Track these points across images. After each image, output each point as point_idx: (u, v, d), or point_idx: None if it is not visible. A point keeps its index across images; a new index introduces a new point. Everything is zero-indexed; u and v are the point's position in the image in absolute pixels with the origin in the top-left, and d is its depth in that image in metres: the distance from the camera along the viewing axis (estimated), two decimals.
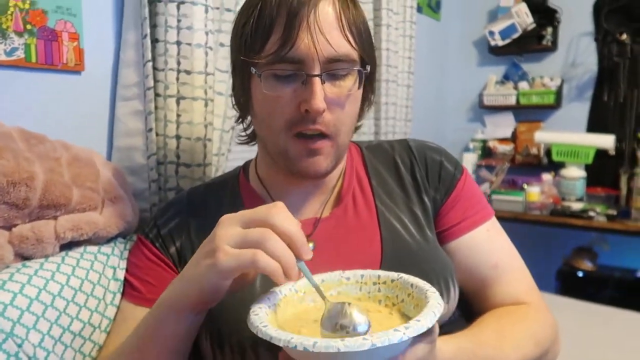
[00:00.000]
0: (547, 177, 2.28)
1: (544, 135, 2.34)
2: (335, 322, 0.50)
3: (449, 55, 2.85)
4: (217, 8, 1.19)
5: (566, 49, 2.57)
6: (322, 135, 0.69)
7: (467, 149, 2.49)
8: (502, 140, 2.68)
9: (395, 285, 0.58)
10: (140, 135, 1.09)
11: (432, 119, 2.76)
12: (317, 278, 0.58)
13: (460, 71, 2.86)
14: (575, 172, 2.22)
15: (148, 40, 1.06)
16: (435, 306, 0.49)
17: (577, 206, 2.16)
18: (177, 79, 1.09)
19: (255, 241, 0.50)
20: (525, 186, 2.22)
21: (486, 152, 2.70)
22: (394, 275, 0.58)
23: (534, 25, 2.52)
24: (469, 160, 2.38)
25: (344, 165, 0.82)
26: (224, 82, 1.20)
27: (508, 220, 2.24)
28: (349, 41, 0.68)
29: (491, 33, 2.62)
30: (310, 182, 0.77)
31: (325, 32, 0.65)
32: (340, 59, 0.67)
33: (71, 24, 1.04)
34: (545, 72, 2.62)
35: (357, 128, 0.84)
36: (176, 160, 1.10)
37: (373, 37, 1.79)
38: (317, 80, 0.65)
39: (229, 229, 0.53)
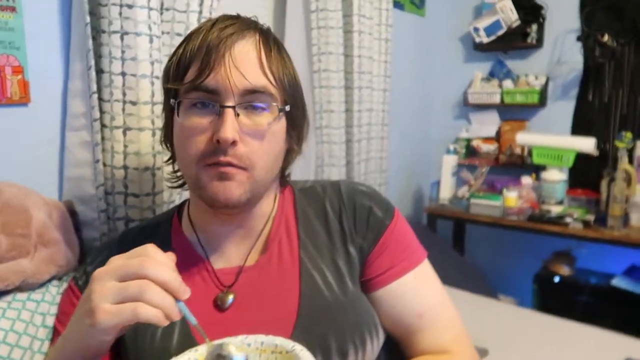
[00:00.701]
0: (526, 180, 2.26)
1: (526, 137, 2.32)
2: (215, 356, 0.56)
3: (435, 52, 2.80)
4: (168, 33, 1.18)
5: (552, 47, 2.52)
6: (235, 166, 0.69)
7: (447, 151, 2.47)
8: (486, 139, 2.65)
9: (289, 357, 0.58)
10: (88, 166, 1.10)
11: (417, 117, 2.74)
12: (219, 342, 0.59)
13: (446, 68, 2.82)
14: (555, 176, 2.20)
15: (93, 72, 1.06)
16: None
17: (556, 210, 2.15)
18: (123, 109, 1.09)
19: (134, 296, 0.53)
20: (504, 191, 2.21)
21: (470, 152, 2.68)
22: (289, 345, 0.58)
23: (519, 22, 2.46)
24: (449, 163, 2.37)
25: (275, 209, 0.82)
26: None
27: (486, 225, 2.25)
28: (267, 77, 0.70)
29: (476, 29, 2.57)
30: (232, 221, 0.77)
31: (240, 66, 0.67)
32: (256, 91, 0.69)
33: (14, 57, 1.04)
34: (530, 70, 2.57)
35: (284, 175, 0.84)
36: (124, 191, 1.11)
37: (343, 45, 1.77)
38: (229, 111, 0.67)
39: (105, 284, 0.54)
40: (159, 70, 1.11)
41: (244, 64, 0.68)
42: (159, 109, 1.12)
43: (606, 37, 2.11)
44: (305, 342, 0.63)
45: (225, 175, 0.68)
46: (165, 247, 0.80)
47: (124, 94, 1.08)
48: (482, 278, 2.23)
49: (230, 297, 0.75)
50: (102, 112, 1.08)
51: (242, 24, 0.72)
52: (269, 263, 0.77)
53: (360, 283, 0.79)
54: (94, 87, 1.06)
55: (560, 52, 2.50)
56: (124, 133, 1.09)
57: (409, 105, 2.62)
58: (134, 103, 1.08)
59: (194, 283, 0.76)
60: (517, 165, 2.53)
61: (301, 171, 1.73)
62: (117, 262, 0.56)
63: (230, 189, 0.69)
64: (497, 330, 1.45)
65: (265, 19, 1.73)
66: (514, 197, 2.15)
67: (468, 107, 2.74)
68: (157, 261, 0.55)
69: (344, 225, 0.80)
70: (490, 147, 2.62)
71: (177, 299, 0.55)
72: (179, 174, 0.83)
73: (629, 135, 2.04)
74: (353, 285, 0.77)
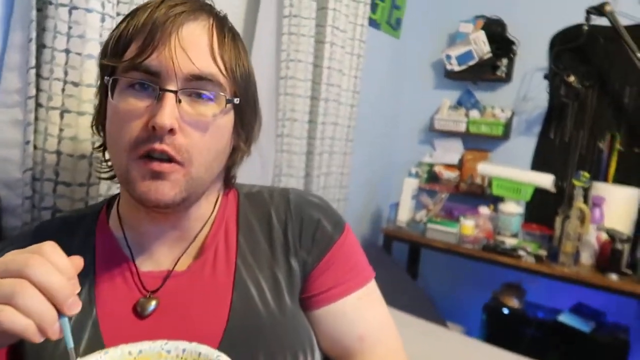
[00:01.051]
0: (484, 210, 2.26)
1: (487, 168, 2.32)
2: None
3: (406, 75, 2.81)
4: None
5: (520, 82, 2.56)
6: (170, 160, 0.62)
7: (409, 174, 2.46)
8: (449, 166, 2.66)
9: None
10: (17, 147, 1.00)
11: (382, 137, 2.72)
12: (135, 347, 0.52)
13: (416, 92, 2.83)
14: (512, 208, 2.21)
15: (34, 45, 0.96)
16: None
17: (510, 242, 2.15)
18: (63, 90, 1.00)
19: (4, 296, 0.43)
20: (461, 218, 2.20)
21: (432, 177, 2.68)
22: (213, 355, 0.51)
23: (490, 55, 2.49)
24: (410, 186, 2.35)
25: (215, 212, 0.75)
26: None
27: (441, 251, 2.23)
28: (216, 64, 0.63)
29: (448, 57, 2.59)
30: (164, 221, 0.70)
31: (187, 48, 0.61)
32: (203, 78, 0.62)
33: None
34: (497, 103, 2.60)
35: (229, 177, 0.77)
36: (54, 178, 1.01)
37: (314, 55, 1.73)
38: (170, 96, 0.60)
39: None
40: None
41: (192, 47, 0.62)
42: None
43: (572, 78, 2.15)
44: (232, 357, 0.57)
45: (159, 174, 0.61)
46: (87, 241, 0.73)
47: (66, 73, 0.99)
48: (431, 304, 2.19)
49: (153, 304, 0.67)
50: (39, 90, 0.99)
51: (195, 5, 0.66)
52: (202, 270, 0.70)
53: (299, 300, 0.73)
54: (33, 62, 0.96)
55: (528, 88, 2.54)
56: (61, 115, 1.00)
57: (375, 125, 2.60)
58: (75, 84, 0.99)
59: (114, 285, 0.69)
60: (476, 194, 2.54)
61: (258, 180, 1.66)
62: (5, 256, 0.47)
63: (163, 190, 0.62)
64: (443, 358, 1.41)
65: (236, 17, 1.68)
66: (470, 226, 2.14)
67: (433, 133, 2.75)
68: (46, 261, 0.45)
69: (288, 236, 0.73)
70: (451, 175, 2.62)
71: (60, 314, 0.46)
72: (110, 163, 0.75)
73: (586, 175, 2.07)
74: (291, 301, 0.71)
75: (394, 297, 0.86)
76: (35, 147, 1.00)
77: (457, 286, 2.58)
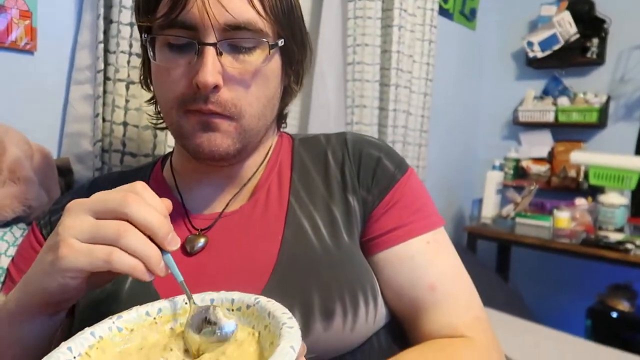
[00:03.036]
0: (581, 202, 2.03)
1: (581, 156, 2.10)
2: (202, 319, 0.42)
3: (484, 67, 2.66)
4: None
5: (614, 63, 2.32)
6: (220, 115, 0.59)
7: (493, 167, 2.29)
8: (538, 160, 2.44)
9: (251, 313, 0.44)
10: (88, 121, 1.04)
11: (461, 134, 2.58)
12: (153, 308, 0.45)
13: (496, 84, 2.66)
14: (615, 199, 1.97)
15: (101, 21, 1.01)
16: (285, 353, 0.35)
17: (615, 237, 1.90)
18: (128, 62, 1.02)
19: (110, 238, 0.42)
20: (555, 211, 1.99)
21: (519, 173, 2.47)
22: (250, 299, 0.44)
23: (577, 36, 2.29)
24: (494, 179, 2.18)
25: (269, 156, 0.71)
26: None
27: (532, 247, 2.02)
28: (254, 7, 0.57)
29: (530, 44, 2.41)
30: (217, 170, 0.67)
31: None
32: (241, 27, 0.57)
33: (23, 1, 1.00)
34: (589, 88, 2.37)
35: (281, 117, 0.73)
36: (122, 149, 1.03)
37: (382, 39, 1.68)
38: (210, 50, 0.56)
39: (78, 218, 0.44)
40: None
41: None
42: None
43: None
44: (282, 294, 0.52)
45: (209, 125, 0.59)
46: None
47: (131, 46, 1.02)
48: (528, 308, 1.99)
49: (202, 241, 0.63)
50: (107, 64, 1.02)
51: None
52: (253, 209, 0.66)
53: (362, 243, 0.66)
54: (101, 37, 1.00)
55: (625, 68, 2.30)
56: (127, 87, 1.02)
57: (452, 119, 2.47)
58: (139, 55, 1.01)
59: None
60: (570, 189, 2.31)
61: None
62: (97, 195, 0.46)
63: (216, 141, 0.59)
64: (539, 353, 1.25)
65: (302, 4, 1.67)
66: (566, 218, 1.93)
67: (518, 126, 2.56)
68: (142, 200, 0.44)
69: (345, 174, 0.67)
70: (541, 169, 2.41)
71: (163, 251, 0.44)
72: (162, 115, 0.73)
73: None
74: (349, 238, 0.64)
75: (485, 301, 0.74)
76: (104, 120, 1.02)
77: (555, 289, 2.32)
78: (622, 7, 2.25)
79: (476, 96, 2.65)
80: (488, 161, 2.47)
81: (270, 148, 0.71)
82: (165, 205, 0.46)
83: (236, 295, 0.45)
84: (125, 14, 1.01)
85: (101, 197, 0.45)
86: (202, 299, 0.46)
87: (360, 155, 0.68)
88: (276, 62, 0.63)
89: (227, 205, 0.67)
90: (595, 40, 2.31)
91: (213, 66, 0.56)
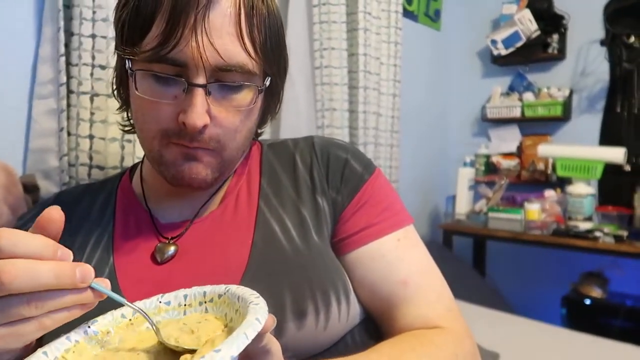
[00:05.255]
0: (550, 193, 2.09)
1: (548, 149, 2.16)
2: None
3: (452, 66, 2.71)
4: None
5: (575, 58, 2.40)
6: (204, 149, 0.60)
7: (464, 164, 2.33)
8: (507, 155, 2.50)
9: (222, 302, 0.45)
10: (53, 136, 1.02)
11: (432, 132, 2.61)
12: (128, 311, 0.45)
13: (464, 83, 2.72)
14: (582, 189, 2.02)
15: (62, 33, 0.99)
16: (251, 324, 0.35)
17: (584, 226, 1.96)
18: (92, 74, 1.01)
19: (19, 315, 0.37)
20: (526, 204, 2.04)
21: (490, 168, 2.52)
22: (221, 289, 0.45)
23: (538, 33, 2.36)
24: (465, 176, 2.22)
25: (237, 166, 0.71)
26: None
27: (506, 241, 2.06)
28: (246, 50, 0.57)
29: (494, 42, 2.47)
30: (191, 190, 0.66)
31: (214, 37, 0.55)
32: (231, 70, 0.56)
33: None
34: (552, 83, 2.44)
35: (258, 134, 0.75)
36: (89, 162, 1.01)
37: (348, 42, 1.69)
38: (199, 91, 0.56)
39: None
40: None
41: (217, 32, 0.55)
42: None
43: (632, 39, 1.98)
44: None
45: (192, 155, 0.59)
46: (108, 201, 0.72)
47: (93, 57, 1.00)
48: (504, 301, 2.02)
49: (172, 249, 0.63)
50: (69, 77, 1.01)
51: None
52: (222, 215, 0.66)
53: (332, 244, 0.67)
54: (62, 50, 0.98)
55: (585, 62, 2.37)
56: (91, 99, 1.01)
57: (423, 119, 2.50)
58: (102, 67, 1.00)
59: (133, 235, 0.66)
60: (540, 181, 2.36)
61: None
62: None
63: (197, 169, 0.60)
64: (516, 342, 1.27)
65: None
66: (536, 210, 1.98)
67: (487, 123, 2.61)
68: (17, 270, 0.36)
69: (314, 176, 0.68)
70: (511, 163, 2.46)
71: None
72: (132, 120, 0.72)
73: None
74: (319, 238, 0.64)
75: (462, 296, 0.76)
76: (69, 134, 1.01)
77: (530, 280, 2.37)
78: (579, 2, 2.33)
79: (445, 95, 2.69)
80: (459, 158, 2.51)
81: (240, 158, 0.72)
82: (46, 226, 0.39)
83: (208, 288, 0.46)
84: (86, 26, 1.00)
85: None
86: (175, 296, 0.46)
87: (328, 158, 0.69)
88: (261, 97, 0.64)
89: (197, 213, 0.67)
90: (556, 36, 2.38)
91: (202, 107, 0.56)
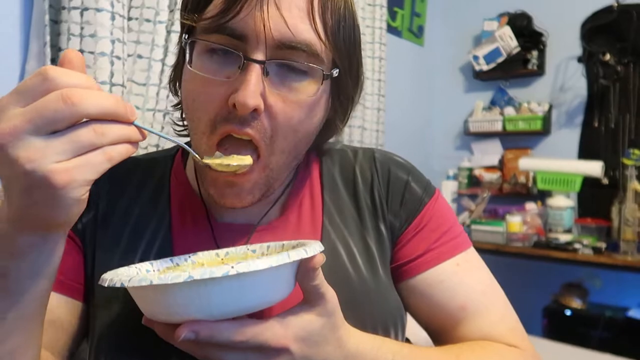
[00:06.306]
0: (531, 206, 2.13)
1: (529, 162, 2.21)
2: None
3: (435, 81, 2.76)
4: (136, 18, 1.13)
5: (554, 73, 2.46)
6: (251, 144, 0.51)
7: (447, 177, 2.37)
8: (489, 168, 2.55)
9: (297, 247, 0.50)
10: None
11: (417, 146, 2.65)
12: (222, 251, 0.53)
13: (447, 97, 2.77)
14: (562, 202, 2.07)
15: (48, 49, 1.00)
16: (297, 250, 0.40)
17: (564, 238, 2.00)
18: None
19: (91, 144, 0.37)
20: (507, 216, 2.08)
21: (472, 181, 2.57)
22: (294, 243, 0.50)
23: (518, 49, 2.42)
24: (448, 189, 2.26)
25: (299, 169, 0.65)
26: (141, 96, 1.13)
27: (488, 253, 2.09)
28: (315, 30, 0.50)
29: (475, 57, 2.53)
30: None
31: (283, 8, 0.49)
32: (297, 47, 0.49)
33: None
34: (532, 97, 2.50)
35: (320, 148, 0.66)
36: None
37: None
38: (256, 67, 0.48)
39: (32, 145, 0.35)
40: (120, 50, 1.05)
41: (287, 5, 0.49)
42: (117, 90, 1.05)
43: (608, 56, 2.04)
44: None
45: (235, 183, 0.53)
46: (161, 188, 0.64)
47: None
48: None
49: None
50: None
51: None
52: (285, 226, 0.61)
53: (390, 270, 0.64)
54: (49, 65, 0.99)
55: (563, 78, 2.44)
56: None
57: (407, 133, 2.54)
58: None
59: (191, 236, 0.61)
60: (521, 194, 2.41)
61: None
62: (25, 111, 0.36)
63: (239, 195, 0.53)
64: None
65: None
66: (517, 222, 2.02)
67: (469, 137, 2.66)
68: (82, 90, 0.36)
69: (375, 198, 0.64)
70: (493, 176, 2.51)
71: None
72: (185, 122, 0.62)
73: (637, 152, 1.93)
74: (384, 271, 0.61)
75: None
76: None
77: (512, 291, 2.37)
78: (557, 20, 2.40)
79: (429, 109, 2.74)
80: (443, 171, 2.55)
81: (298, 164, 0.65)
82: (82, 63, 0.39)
83: (285, 242, 0.52)
84: (74, 42, 1.01)
85: (34, 110, 0.35)
86: (260, 246, 0.53)
87: (388, 178, 0.65)
88: (326, 94, 0.56)
89: (259, 221, 0.61)
90: (535, 53, 2.44)
91: (256, 87, 0.48)
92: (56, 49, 1.02)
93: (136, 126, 0.40)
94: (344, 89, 0.57)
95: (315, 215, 0.62)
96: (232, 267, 0.36)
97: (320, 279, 0.44)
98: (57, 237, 0.41)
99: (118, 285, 0.39)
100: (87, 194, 0.38)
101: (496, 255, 2.09)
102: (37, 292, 0.43)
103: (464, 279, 0.62)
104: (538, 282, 2.25)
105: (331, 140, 0.66)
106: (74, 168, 0.36)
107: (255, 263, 0.37)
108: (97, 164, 0.37)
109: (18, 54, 1.06)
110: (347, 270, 0.59)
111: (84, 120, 0.37)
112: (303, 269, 0.43)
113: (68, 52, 0.39)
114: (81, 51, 1.01)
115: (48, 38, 0.99)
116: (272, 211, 0.62)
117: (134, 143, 0.40)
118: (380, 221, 0.63)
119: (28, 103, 0.35)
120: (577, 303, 2.02)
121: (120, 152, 0.39)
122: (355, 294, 0.57)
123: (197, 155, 0.48)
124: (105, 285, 0.41)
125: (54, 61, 1.02)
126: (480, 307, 0.61)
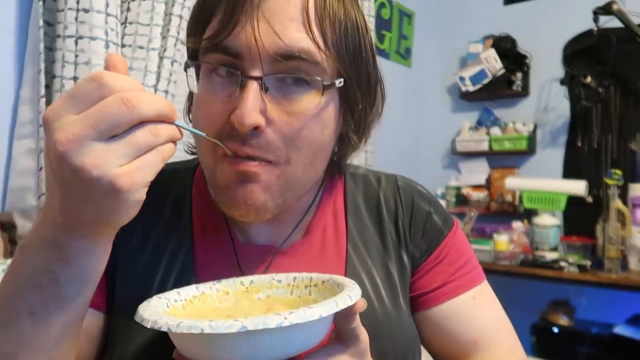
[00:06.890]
0: (517, 225, 2.17)
1: (515, 182, 2.25)
2: None
3: (423, 102, 2.81)
4: (129, 45, 1.15)
5: (538, 94, 2.53)
6: (260, 159, 0.50)
7: (436, 195, 2.39)
8: (476, 187, 2.59)
9: (325, 287, 0.50)
10: (32, 175, 1.03)
11: (406, 166, 2.68)
12: (246, 279, 0.53)
13: (435, 117, 2.82)
14: (547, 220, 2.11)
15: (42, 75, 1.02)
16: (342, 297, 0.41)
17: (550, 256, 2.03)
18: None
19: (148, 146, 0.38)
20: (494, 235, 2.11)
21: (460, 200, 2.60)
22: (325, 276, 0.51)
23: (503, 71, 2.48)
24: None
25: (321, 191, 0.64)
26: None
27: None
28: (313, 39, 0.49)
29: (462, 79, 2.59)
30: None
31: (275, 22, 0.48)
32: (295, 57, 0.48)
33: None
34: (517, 118, 2.56)
35: (339, 166, 0.64)
36: None
37: None
38: (253, 84, 0.48)
39: (95, 149, 0.36)
40: None
41: (278, 15, 0.48)
42: None
43: (589, 79, 2.11)
44: None
45: (247, 175, 0.50)
46: (183, 200, 0.64)
47: None
48: None
49: None
50: None
51: None
52: (308, 250, 0.61)
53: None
54: (42, 92, 1.02)
55: (547, 99, 2.50)
56: None
57: (396, 153, 2.58)
58: None
59: (213, 256, 0.60)
60: (508, 212, 2.45)
61: None
62: (85, 116, 0.36)
63: (253, 193, 0.51)
64: None
65: None
66: (504, 241, 2.05)
67: (457, 156, 2.70)
68: (138, 95, 0.37)
69: (399, 227, 0.64)
70: (480, 195, 2.55)
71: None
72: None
73: (618, 172, 1.97)
74: (404, 302, 0.62)
75: None
76: None
77: None
78: (540, 43, 2.47)
79: (417, 129, 2.78)
80: (431, 190, 2.56)
81: (321, 187, 0.65)
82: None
83: (314, 275, 0.52)
84: (68, 69, 1.03)
85: (95, 115, 0.36)
86: (286, 276, 0.53)
87: (412, 209, 0.65)
88: (334, 103, 0.54)
89: (283, 242, 0.61)
90: (519, 74, 2.51)
91: (253, 104, 0.47)
92: (50, 75, 1.04)
93: (176, 125, 0.41)
94: (354, 100, 0.55)
95: (339, 241, 0.62)
96: (286, 317, 0.36)
97: (358, 322, 0.45)
98: (108, 241, 0.42)
99: (164, 329, 0.37)
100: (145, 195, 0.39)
101: (485, 274, 2.11)
102: (84, 298, 0.43)
103: (478, 313, 0.64)
104: (525, 300, 2.27)
105: (353, 162, 0.68)
106: (135, 170, 0.37)
107: (307, 313, 0.37)
108: (154, 164, 0.38)
109: (13, 80, 1.08)
110: (371, 302, 0.58)
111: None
112: (344, 313, 0.43)
113: (112, 56, 0.39)
114: (75, 78, 1.04)
115: (43, 65, 1.01)
116: (295, 234, 0.61)
117: (175, 142, 0.41)
118: (403, 250, 0.63)
119: (84, 109, 0.36)
120: (564, 320, 2.05)
121: (170, 151, 0.39)
122: (378, 326, 0.56)
123: (220, 143, 0.48)
124: (148, 326, 0.39)
125: (48, 87, 1.04)
126: (491, 342, 0.63)
